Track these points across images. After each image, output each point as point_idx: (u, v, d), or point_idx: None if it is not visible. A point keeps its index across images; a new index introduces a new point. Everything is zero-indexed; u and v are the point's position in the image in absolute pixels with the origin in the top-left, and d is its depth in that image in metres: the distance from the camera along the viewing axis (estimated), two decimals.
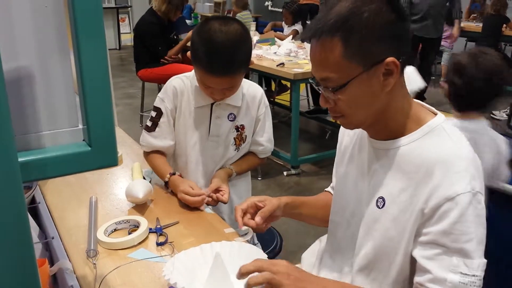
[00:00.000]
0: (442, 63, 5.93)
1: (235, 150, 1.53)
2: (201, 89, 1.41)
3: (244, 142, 1.54)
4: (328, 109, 0.95)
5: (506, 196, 1.47)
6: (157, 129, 1.48)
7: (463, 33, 6.22)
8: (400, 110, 0.93)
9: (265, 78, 4.95)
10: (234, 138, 1.51)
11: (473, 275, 0.83)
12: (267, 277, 0.82)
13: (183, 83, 1.48)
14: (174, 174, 1.45)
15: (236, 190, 1.56)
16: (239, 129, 1.51)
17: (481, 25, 5.84)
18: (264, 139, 1.57)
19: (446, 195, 0.84)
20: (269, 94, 4.84)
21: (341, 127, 1.15)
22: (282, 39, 4.28)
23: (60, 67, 0.52)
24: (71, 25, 0.49)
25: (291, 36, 4.21)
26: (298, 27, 5.16)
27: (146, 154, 1.54)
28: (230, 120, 1.49)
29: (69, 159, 0.52)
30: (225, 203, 1.41)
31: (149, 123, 1.49)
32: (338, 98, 0.89)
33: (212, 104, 1.46)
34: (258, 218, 1.11)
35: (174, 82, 1.49)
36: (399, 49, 0.88)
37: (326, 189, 1.32)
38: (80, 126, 0.54)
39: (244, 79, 1.47)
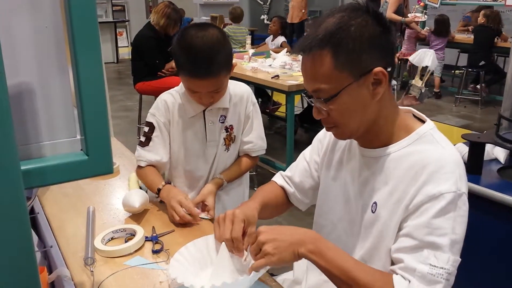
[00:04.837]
0: (434, 74, 5.99)
1: (225, 150, 1.56)
2: (189, 97, 1.45)
3: (233, 142, 1.57)
4: (321, 120, 0.99)
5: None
6: (150, 143, 1.50)
7: (455, 44, 6.30)
8: (389, 119, 0.98)
9: (261, 91, 5.01)
10: (224, 139, 1.55)
11: (442, 268, 0.86)
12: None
13: (173, 97, 1.52)
14: (169, 183, 1.47)
15: (230, 198, 1.60)
16: (228, 130, 1.55)
17: (472, 36, 5.93)
18: (253, 136, 1.59)
19: (431, 194, 0.89)
20: (265, 105, 4.92)
21: (320, 132, 1.19)
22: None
23: (59, 82, 0.56)
24: (70, 44, 0.53)
25: (285, 49, 4.27)
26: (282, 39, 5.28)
27: (140, 169, 1.52)
28: (221, 122, 1.54)
29: (68, 167, 0.56)
30: (211, 219, 1.43)
31: (142, 139, 1.52)
32: (331, 109, 0.94)
33: (204, 111, 1.51)
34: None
35: (164, 97, 1.53)
36: (386, 60, 0.93)
37: (277, 182, 1.30)
38: (78, 137, 0.57)
39: (230, 80, 1.50)
